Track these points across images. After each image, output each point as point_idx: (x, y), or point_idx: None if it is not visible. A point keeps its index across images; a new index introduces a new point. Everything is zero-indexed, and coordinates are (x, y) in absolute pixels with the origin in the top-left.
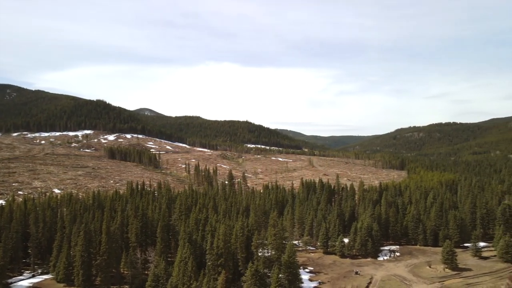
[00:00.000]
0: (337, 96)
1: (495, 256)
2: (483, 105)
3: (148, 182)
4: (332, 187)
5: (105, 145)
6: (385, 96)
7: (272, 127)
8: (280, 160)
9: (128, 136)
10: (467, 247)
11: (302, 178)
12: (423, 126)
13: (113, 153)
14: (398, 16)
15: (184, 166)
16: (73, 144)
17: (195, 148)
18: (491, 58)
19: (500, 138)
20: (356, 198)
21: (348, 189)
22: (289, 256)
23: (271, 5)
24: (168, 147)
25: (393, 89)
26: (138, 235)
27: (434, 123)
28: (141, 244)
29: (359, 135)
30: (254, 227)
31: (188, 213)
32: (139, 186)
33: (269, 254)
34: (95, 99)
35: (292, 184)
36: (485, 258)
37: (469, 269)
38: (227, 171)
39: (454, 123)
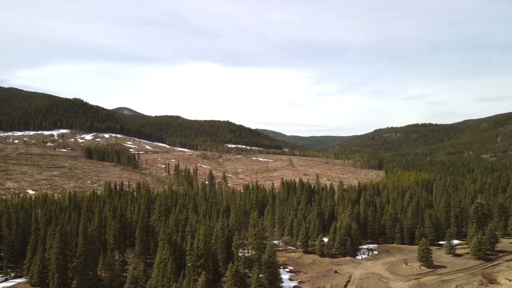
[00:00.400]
0: (317, 96)
1: (468, 253)
2: (457, 106)
3: (127, 183)
4: (312, 187)
5: (82, 144)
6: (364, 97)
7: (253, 127)
8: (260, 160)
9: (106, 135)
10: (441, 245)
11: (282, 178)
12: (400, 127)
13: (91, 152)
14: (378, 19)
15: (164, 166)
16: (49, 144)
17: (175, 148)
18: (465, 61)
19: (473, 139)
20: (335, 197)
21: (328, 189)
22: (269, 256)
23: (253, 5)
24: (147, 147)
25: (372, 90)
26: (116, 236)
27: (411, 124)
28: (120, 245)
29: (339, 135)
30: (234, 227)
31: (167, 214)
32: (118, 187)
33: (250, 254)
34: (71, 98)
35: (273, 184)
36: (459, 255)
37: (444, 266)
38: (208, 171)
39: (430, 124)
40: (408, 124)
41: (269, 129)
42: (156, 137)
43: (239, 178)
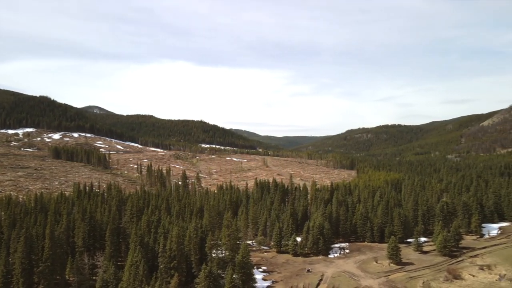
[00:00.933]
0: (291, 97)
1: (434, 250)
2: (425, 108)
3: (97, 183)
4: (286, 187)
5: (49, 144)
6: (337, 98)
7: (227, 127)
8: (234, 160)
9: (75, 135)
10: (410, 242)
11: (256, 178)
12: (371, 128)
13: (58, 152)
14: (349, 22)
15: (136, 166)
16: (13, 143)
17: (147, 148)
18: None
19: (439, 140)
20: (308, 197)
21: (301, 189)
22: (243, 257)
23: (226, 5)
24: (119, 146)
25: (344, 91)
26: (85, 239)
27: (381, 124)
28: (89, 248)
29: (312, 135)
30: (208, 228)
31: (139, 215)
32: (87, 188)
33: (223, 255)
34: (38, 95)
35: (247, 184)
36: (426, 252)
37: (412, 263)
38: (181, 172)
39: (399, 125)
40: (378, 125)
41: (243, 129)
42: (128, 137)
43: (213, 179)
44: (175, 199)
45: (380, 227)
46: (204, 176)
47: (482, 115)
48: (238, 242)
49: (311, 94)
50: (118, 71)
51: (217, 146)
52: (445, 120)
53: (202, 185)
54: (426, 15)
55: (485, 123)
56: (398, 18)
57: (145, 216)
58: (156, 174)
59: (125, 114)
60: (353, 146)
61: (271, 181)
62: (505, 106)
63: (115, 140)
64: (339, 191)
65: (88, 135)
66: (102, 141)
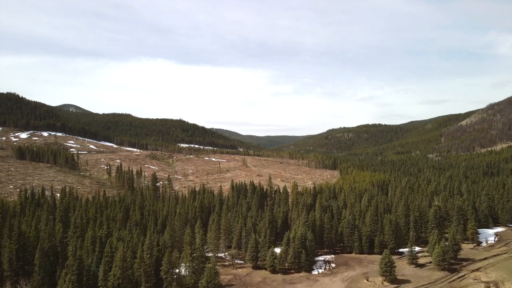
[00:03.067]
0: (273, 96)
1: (431, 262)
2: (403, 108)
3: (58, 187)
4: (265, 190)
5: (15, 143)
6: (318, 98)
7: (208, 126)
8: (213, 161)
9: (45, 134)
10: (402, 253)
11: (233, 180)
12: (352, 127)
13: (23, 152)
14: (331, 22)
15: (107, 167)
16: None
17: (123, 147)
18: (410, 66)
19: (419, 139)
20: (289, 201)
21: (281, 192)
22: (208, 281)
23: (207, 3)
24: (92, 146)
25: (325, 91)
26: (12, 262)
27: (362, 124)
28: (17, 273)
29: (294, 135)
30: (168, 243)
31: (86, 229)
32: (39, 193)
33: (185, 277)
34: (5, 92)
35: (220, 187)
36: (422, 265)
37: (408, 281)
38: (157, 172)
39: (380, 125)
40: (359, 124)
41: (225, 129)
42: (103, 136)
43: (189, 180)
44: (138, 206)
45: (369, 236)
46: (179, 177)
47: (460, 114)
48: (203, 260)
49: (292, 94)
50: (96, 68)
51: (197, 146)
52: (424, 120)
53: (176, 187)
54: (406, 16)
55: (464, 122)
56: (379, 19)
57: (90, 231)
58: (126, 175)
59: (101, 112)
60: (334, 146)
61: (249, 183)
62: (481, 106)
63: (89, 140)
64: (323, 194)
65: (59, 134)
66: (74, 141)
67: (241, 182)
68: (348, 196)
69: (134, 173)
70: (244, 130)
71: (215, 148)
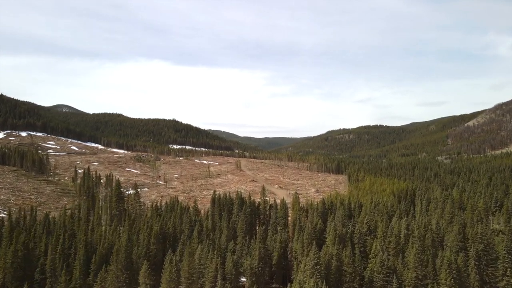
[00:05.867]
0: (270, 98)
1: None
2: (402, 110)
3: (3, 196)
4: (257, 204)
5: None
6: (316, 99)
7: (206, 128)
8: (204, 163)
9: (24, 134)
10: None
11: (214, 191)
12: (352, 128)
13: None
14: (329, 23)
15: (81, 171)
16: None
17: (109, 148)
18: (409, 67)
19: (424, 141)
20: (289, 220)
21: (279, 207)
22: None
23: (205, 3)
24: (73, 147)
25: (324, 92)
26: None
27: (363, 125)
28: None
29: (292, 136)
30: None
31: None
32: None
33: None
34: None
35: (195, 202)
36: None
37: None
38: (136, 177)
39: (381, 126)
40: (360, 125)
41: (222, 130)
42: (89, 137)
43: (170, 187)
44: (67, 233)
45: (415, 287)
46: (161, 183)
47: (465, 115)
48: None
49: (290, 95)
50: (92, 69)
51: (190, 147)
52: (426, 121)
53: (153, 196)
54: (406, 16)
55: (470, 123)
56: (379, 19)
57: None
58: (93, 180)
59: (91, 112)
60: (334, 147)
61: (235, 196)
62: (480, 108)
63: (72, 140)
64: (335, 211)
65: (40, 134)
66: (54, 141)
67: (227, 194)
68: (371, 215)
69: (104, 179)
70: (241, 131)
71: (209, 150)
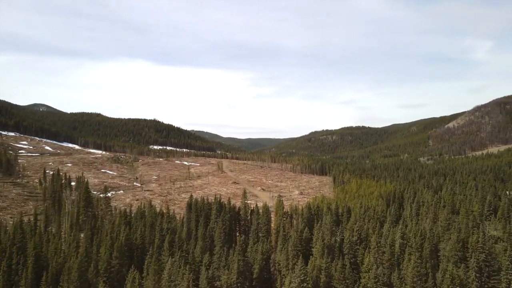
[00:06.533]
0: (254, 98)
1: None
2: (383, 111)
3: None
4: (237, 209)
5: None
6: (299, 101)
7: (189, 128)
8: (185, 164)
9: None
10: None
11: (191, 195)
12: (335, 130)
13: None
14: (313, 24)
15: (52, 173)
16: None
17: (86, 149)
18: (390, 69)
19: (406, 142)
20: (272, 227)
21: (261, 212)
22: None
23: (188, 2)
24: (47, 147)
25: (307, 94)
26: None
27: (346, 126)
28: None
29: (275, 137)
30: None
31: None
32: None
33: None
34: None
35: (167, 208)
36: None
37: None
38: (112, 179)
39: (364, 127)
40: (343, 126)
41: (205, 131)
42: (66, 137)
43: (147, 190)
44: (16, 246)
45: None
46: (138, 185)
47: (445, 117)
48: None
49: (274, 96)
50: (72, 68)
51: (171, 148)
52: (407, 123)
53: (127, 199)
54: (388, 20)
55: (450, 125)
56: (361, 22)
57: None
58: (63, 182)
59: (69, 111)
60: (317, 148)
61: (214, 200)
62: (459, 110)
63: (46, 140)
64: (323, 219)
65: (12, 134)
66: (27, 141)
67: (205, 198)
68: (360, 222)
69: (74, 181)
70: (225, 132)
71: (190, 151)
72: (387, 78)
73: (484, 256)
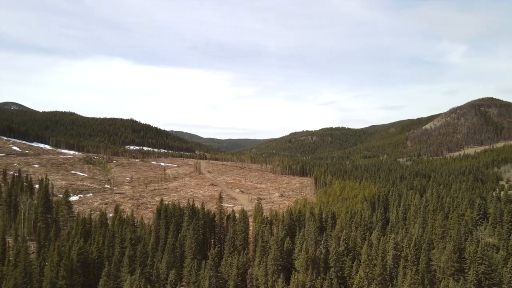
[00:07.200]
0: (235, 99)
1: None
2: (363, 113)
3: None
4: (212, 215)
5: None
6: (280, 102)
7: (168, 129)
8: (162, 165)
9: None
10: None
11: (162, 199)
12: (315, 130)
13: None
14: (295, 26)
15: (15, 174)
16: None
17: (58, 149)
18: (370, 72)
19: (385, 143)
20: (250, 236)
21: (238, 218)
22: None
23: (170, 1)
24: (15, 148)
25: (288, 95)
26: None
27: (326, 127)
28: None
29: (256, 138)
30: None
31: None
32: None
33: None
34: None
35: (132, 214)
36: None
37: None
38: (81, 181)
39: (343, 128)
40: (323, 127)
41: (185, 132)
42: (36, 136)
43: (118, 192)
44: None
45: None
46: (108, 187)
47: (422, 118)
48: None
49: (255, 97)
50: (47, 66)
51: (148, 149)
52: (386, 124)
53: (95, 203)
54: (367, 23)
55: (427, 126)
56: (342, 24)
57: None
58: (23, 185)
59: (41, 110)
60: (298, 149)
61: (192, 202)
62: (434, 112)
63: (15, 140)
64: (306, 226)
65: None
66: None
67: (175, 202)
68: (347, 229)
69: (37, 184)
70: (205, 133)
71: (168, 151)
72: (367, 80)
73: (484, 267)
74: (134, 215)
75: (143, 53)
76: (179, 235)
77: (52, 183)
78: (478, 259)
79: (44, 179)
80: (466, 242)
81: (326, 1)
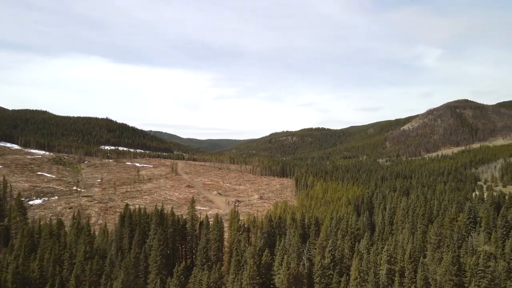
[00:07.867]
0: (215, 100)
1: None
2: (342, 114)
3: None
4: (183, 222)
5: None
6: (261, 102)
7: (147, 129)
8: (137, 166)
9: None
10: None
11: (127, 204)
12: (295, 131)
13: None
14: (275, 26)
15: None
16: None
17: (26, 149)
18: (349, 73)
19: (364, 143)
20: (225, 246)
21: (211, 224)
22: None
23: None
24: None
25: (268, 95)
26: None
27: (306, 128)
28: None
29: (236, 139)
30: None
31: None
32: None
33: None
34: None
35: (88, 221)
36: None
37: None
38: (47, 183)
39: (323, 129)
40: (303, 128)
41: (164, 132)
42: (3, 135)
43: (85, 195)
44: None
45: None
46: (74, 188)
47: (400, 119)
48: None
49: (236, 97)
50: (20, 63)
51: (124, 149)
52: (365, 125)
53: (58, 208)
54: (346, 26)
55: (405, 127)
56: (321, 26)
57: None
58: None
59: (11, 108)
60: (278, 150)
61: (153, 211)
62: (410, 114)
63: None
64: (286, 233)
65: None
66: None
67: (141, 208)
68: (332, 237)
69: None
70: (185, 133)
71: (145, 151)
72: (346, 82)
73: (487, 282)
74: (98, 221)
75: (122, 51)
76: (145, 245)
77: (10, 185)
78: (480, 272)
79: (2, 181)
80: (460, 250)
81: (307, 3)
